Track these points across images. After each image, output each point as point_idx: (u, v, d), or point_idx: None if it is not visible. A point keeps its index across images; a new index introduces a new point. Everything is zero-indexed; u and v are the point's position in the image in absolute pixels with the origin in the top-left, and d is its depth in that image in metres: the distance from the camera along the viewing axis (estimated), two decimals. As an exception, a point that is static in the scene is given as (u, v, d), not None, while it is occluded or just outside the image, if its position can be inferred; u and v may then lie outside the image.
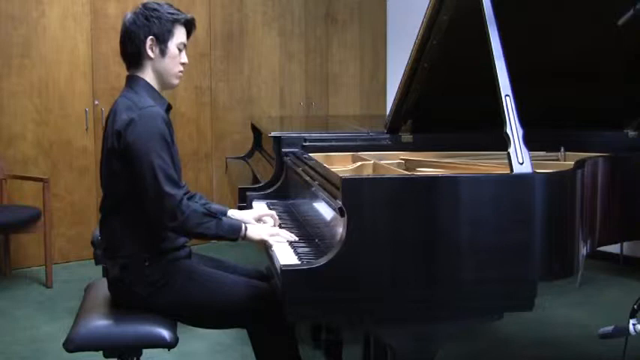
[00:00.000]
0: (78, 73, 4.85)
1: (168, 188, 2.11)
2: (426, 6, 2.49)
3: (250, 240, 2.24)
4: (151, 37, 2.21)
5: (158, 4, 2.26)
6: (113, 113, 2.20)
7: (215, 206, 2.52)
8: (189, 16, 2.30)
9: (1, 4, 4.55)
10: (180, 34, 2.26)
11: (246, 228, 2.23)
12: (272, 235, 2.23)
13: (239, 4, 5.53)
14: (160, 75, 2.27)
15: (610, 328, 1.96)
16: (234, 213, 2.49)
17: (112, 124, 2.18)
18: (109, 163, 2.22)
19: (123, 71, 2.32)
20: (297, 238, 2.26)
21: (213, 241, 5.16)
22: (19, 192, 4.67)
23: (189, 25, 2.29)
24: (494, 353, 3.36)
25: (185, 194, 2.43)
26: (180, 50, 2.26)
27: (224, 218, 2.24)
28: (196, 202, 2.43)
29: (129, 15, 2.25)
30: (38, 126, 4.74)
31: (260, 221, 2.42)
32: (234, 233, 2.22)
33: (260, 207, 2.70)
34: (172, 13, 2.24)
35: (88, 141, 4.91)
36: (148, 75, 2.26)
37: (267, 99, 5.73)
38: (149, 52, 2.22)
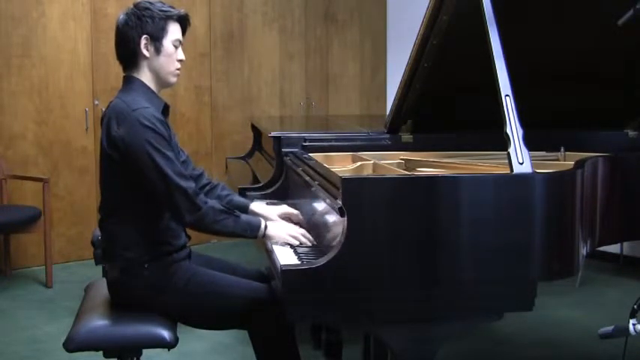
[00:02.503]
0: (78, 73, 4.85)
1: (180, 182, 2.11)
2: (426, 6, 2.49)
3: (271, 238, 2.23)
4: (145, 36, 2.20)
5: (150, 2, 2.23)
6: (107, 117, 2.19)
7: (237, 199, 2.52)
8: (182, 11, 2.27)
9: (1, 4, 4.55)
10: (174, 31, 2.24)
11: (265, 227, 2.22)
12: (292, 237, 2.22)
13: (239, 4, 5.53)
14: (156, 74, 2.25)
15: (610, 328, 1.96)
16: (257, 207, 2.48)
17: (107, 129, 2.16)
18: (106, 166, 2.22)
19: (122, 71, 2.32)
20: (315, 242, 2.25)
21: (214, 241, 5.18)
22: (19, 192, 4.67)
23: (183, 21, 2.27)
24: (495, 353, 3.36)
25: (207, 184, 2.46)
26: (175, 47, 2.25)
27: (242, 215, 2.23)
28: (218, 194, 2.45)
29: (121, 16, 2.23)
30: (38, 126, 4.74)
31: (286, 219, 2.42)
32: (253, 231, 2.21)
33: (283, 205, 2.62)
34: (164, 11, 2.22)
35: (88, 141, 4.91)
36: (144, 75, 2.25)
37: (267, 99, 5.74)
38: (144, 52, 2.21)
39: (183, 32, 2.29)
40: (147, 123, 2.12)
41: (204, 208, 2.13)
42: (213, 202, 2.19)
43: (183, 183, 2.12)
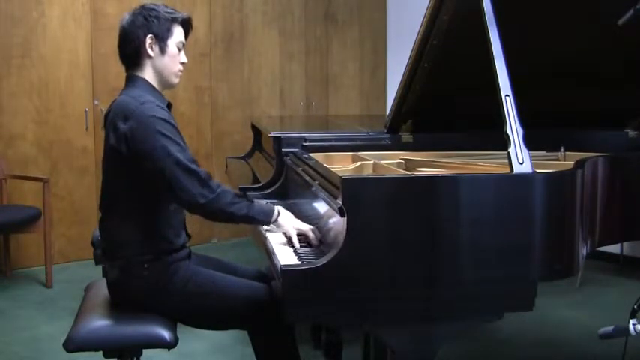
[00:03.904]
0: (78, 73, 4.85)
1: (193, 166, 2.12)
2: (426, 6, 2.49)
3: (279, 226, 2.24)
4: (150, 35, 2.22)
5: (155, 4, 2.28)
6: (113, 113, 2.20)
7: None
8: (185, 15, 2.32)
9: (1, 4, 4.55)
10: (178, 34, 2.28)
11: (278, 213, 2.24)
12: (299, 230, 2.24)
13: (239, 4, 5.53)
14: (160, 73, 2.27)
15: (610, 328, 1.95)
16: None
17: (114, 125, 2.17)
18: (111, 163, 2.23)
19: (123, 71, 2.33)
20: (320, 237, 2.25)
21: (214, 241, 5.19)
22: (19, 192, 4.67)
23: (187, 25, 2.32)
24: (495, 353, 3.37)
25: None
26: (179, 49, 2.28)
27: (256, 201, 2.25)
28: None
29: (127, 16, 2.26)
30: (38, 126, 4.74)
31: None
32: (267, 216, 2.22)
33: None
34: (170, 13, 2.27)
35: (88, 141, 4.91)
36: (147, 74, 2.27)
37: (267, 99, 5.74)
38: (149, 51, 2.23)
39: (186, 36, 2.33)
40: (156, 114, 2.14)
41: (218, 190, 2.14)
42: (225, 187, 2.20)
43: (196, 168, 2.13)
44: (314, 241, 2.23)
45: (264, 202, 2.53)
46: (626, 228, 2.56)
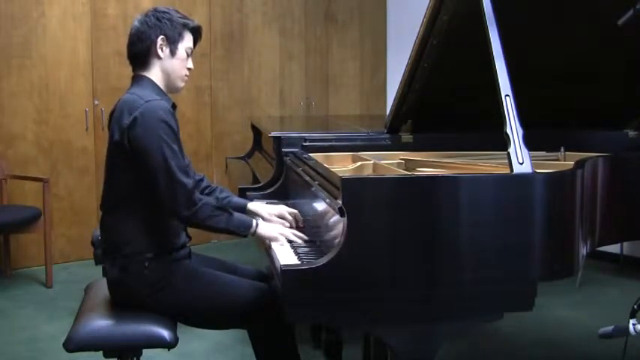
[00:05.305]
0: (78, 73, 4.85)
1: (181, 177, 2.14)
2: (426, 6, 2.49)
3: (260, 237, 2.26)
4: (162, 36, 2.25)
5: (168, 8, 2.32)
6: (119, 110, 2.21)
7: (236, 199, 2.58)
8: (197, 24, 2.35)
9: (1, 4, 4.55)
10: (188, 40, 2.31)
11: (257, 225, 2.25)
12: (282, 235, 2.26)
13: (239, 4, 5.53)
14: (167, 75, 2.30)
15: (610, 328, 1.96)
16: (254, 206, 2.52)
17: (119, 119, 2.19)
18: (114, 159, 2.24)
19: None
20: (306, 238, 2.27)
21: (214, 241, 5.19)
22: (19, 192, 4.67)
23: (196, 33, 2.35)
24: (494, 353, 3.37)
25: (207, 187, 2.53)
26: (187, 55, 2.31)
27: (235, 213, 2.26)
28: (217, 196, 2.51)
29: (139, 17, 2.30)
30: (38, 126, 4.74)
31: (281, 218, 2.45)
32: (245, 229, 2.24)
33: (281, 205, 2.61)
34: (182, 18, 2.31)
35: (88, 141, 4.91)
36: (154, 75, 2.29)
37: (267, 99, 5.74)
38: (159, 52, 2.26)
39: (195, 44, 2.36)
40: (159, 114, 2.16)
41: (199, 203, 2.16)
42: (208, 199, 2.24)
43: (184, 179, 2.15)
44: (298, 242, 2.25)
45: (260, 202, 2.54)
46: (626, 228, 2.57)
